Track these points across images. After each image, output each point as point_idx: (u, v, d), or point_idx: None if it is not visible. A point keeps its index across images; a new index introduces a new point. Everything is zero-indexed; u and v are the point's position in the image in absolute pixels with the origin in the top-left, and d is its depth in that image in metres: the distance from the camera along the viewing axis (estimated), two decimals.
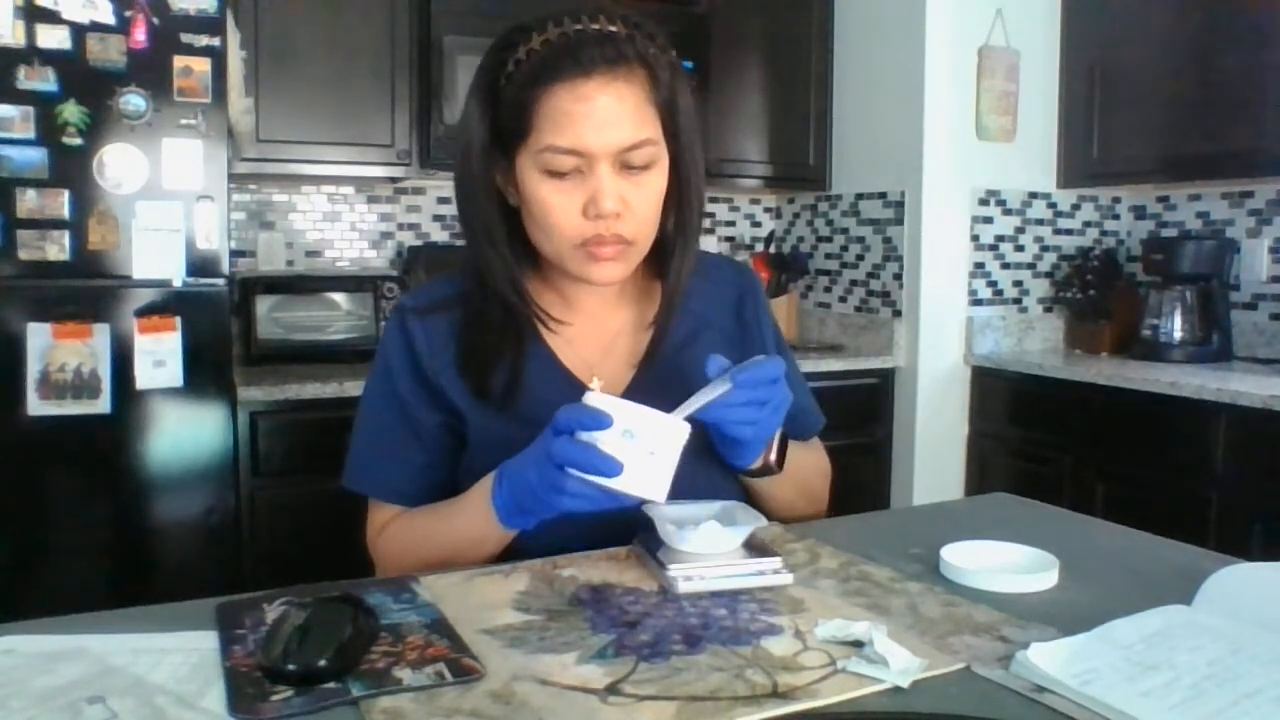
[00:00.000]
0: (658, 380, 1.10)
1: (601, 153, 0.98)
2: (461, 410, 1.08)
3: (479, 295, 1.09)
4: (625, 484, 0.87)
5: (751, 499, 1.15)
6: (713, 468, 1.08)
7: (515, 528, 0.98)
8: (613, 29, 0.99)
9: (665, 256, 1.10)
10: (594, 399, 0.88)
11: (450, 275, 1.15)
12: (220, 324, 2.20)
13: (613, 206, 0.98)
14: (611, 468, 0.86)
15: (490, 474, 0.98)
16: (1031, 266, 3.22)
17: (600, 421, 0.86)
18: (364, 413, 1.14)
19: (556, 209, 1.00)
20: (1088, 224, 3.31)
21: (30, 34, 2.01)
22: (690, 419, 0.92)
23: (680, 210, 1.08)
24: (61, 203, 2.06)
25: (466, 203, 1.06)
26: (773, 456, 1.07)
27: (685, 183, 1.07)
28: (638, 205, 1.01)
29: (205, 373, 2.18)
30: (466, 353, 1.08)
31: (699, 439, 1.02)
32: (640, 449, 0.87)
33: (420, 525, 1.08)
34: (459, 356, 1.08)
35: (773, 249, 3.59)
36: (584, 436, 0.87)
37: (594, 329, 1.14)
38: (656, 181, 1.03)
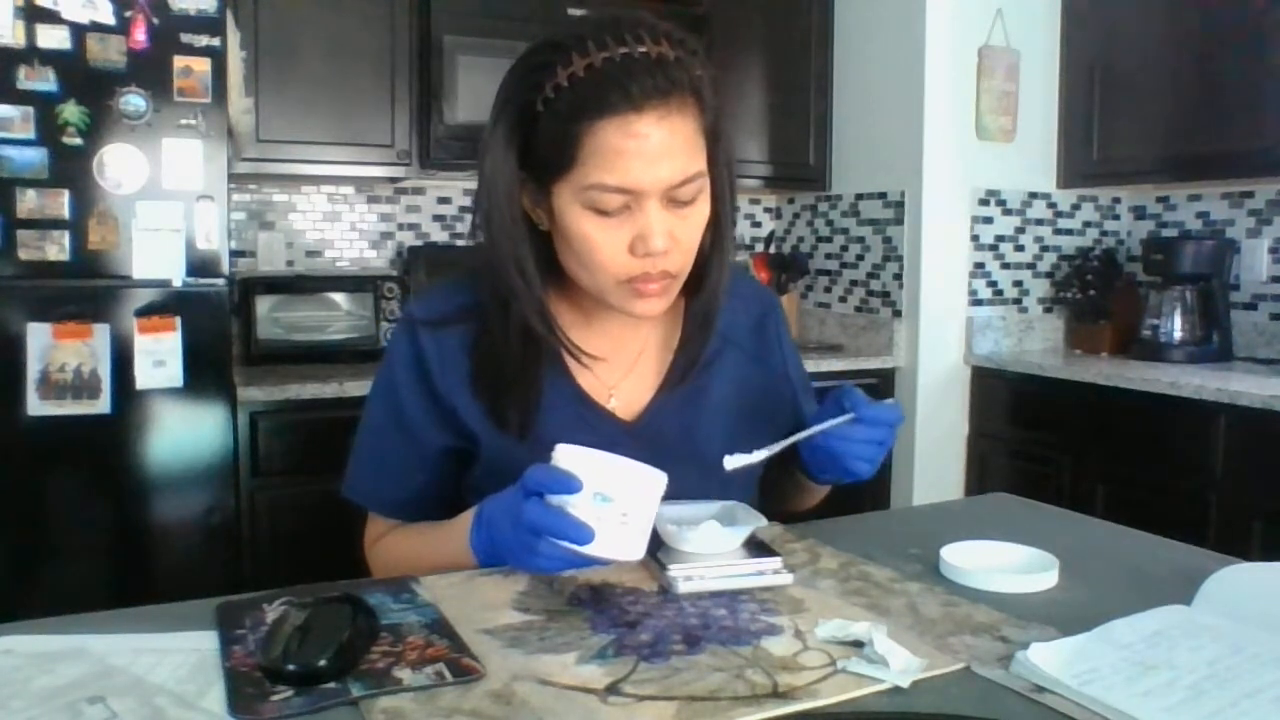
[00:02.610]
0: (679, 402, 1.08)
1: (652, 190, 0.92)
2: (474, 431, 1.05)
3: (499, 319, 1.03)
4: (599, 549, 0.83)
5: (791, 492, 1.18)
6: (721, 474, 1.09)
7: (494, 566, 0.95)
8: (660, 51, 0.92)
9: (698, 275, 1.05)
10: (564, 457, 0.84)
11: (458, 281, 1.10)
12: (220, 324, 2.20)
13: (662, 245, 0.94)
14: (583, 535, 0.81)
15: (473, 510, 0.96)
16: (1031, 266, 3.22)
17: (569, 485, 0.82)
18: (367, 423, 1.11)
19: (602, 246, 0.95)
20: (1088, 224, 3.30)
21: (30, 34, 2.00)
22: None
23: (716, 229, 1.04)
24: (61, 203, 2.06)
25: (493, 230, 0.99)
26: None
27: (722, 202, 1.03)
28: (684, 239, 0.97)
29: (205, 373, 2.18)
30: (483, 380, 1.04)
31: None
32: (615, 510, 0.83)
33: (409, 545, 1.07)
34: (475, 381, 1.04)
35: (773, 249, 3.58)
36: (554, 500, 0.83)
37: (617, 350, 1.10)
38: (702, 212, 0.99)
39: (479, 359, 1.05)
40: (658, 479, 0.85)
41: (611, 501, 0.82)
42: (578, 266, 0.99)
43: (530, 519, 0.83)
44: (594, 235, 0.94)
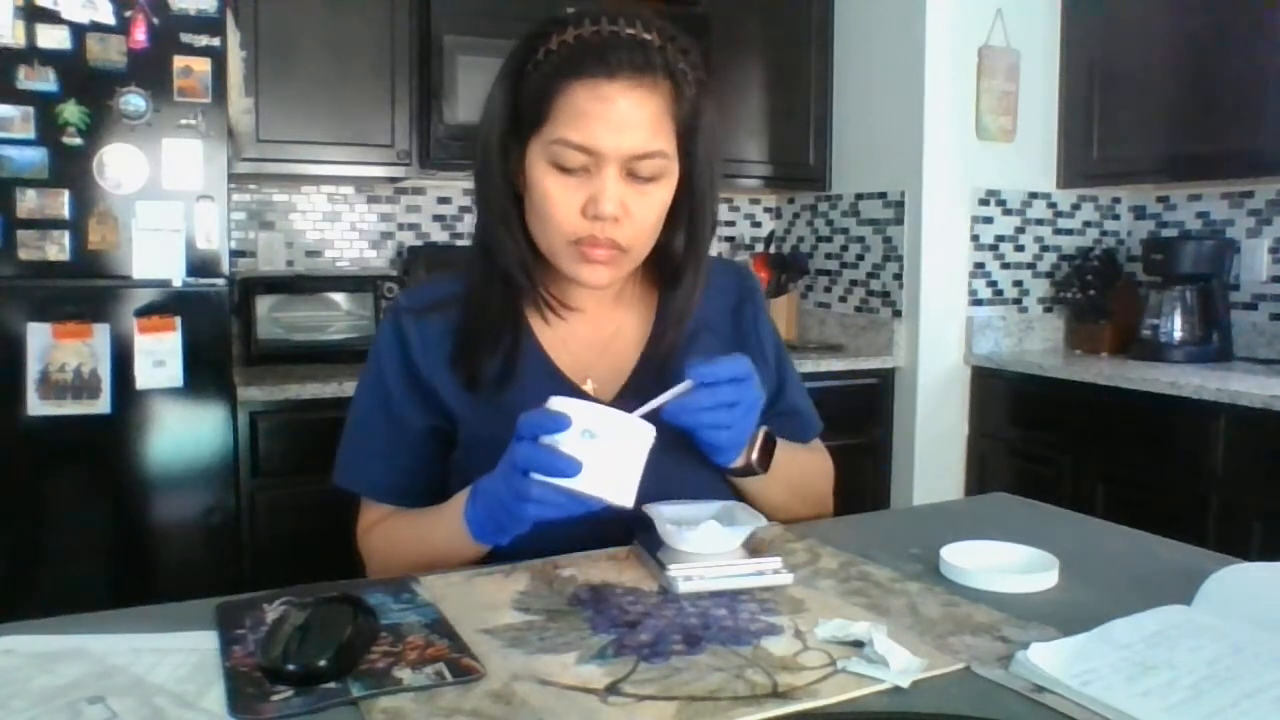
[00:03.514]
0: (652, 388, 1.09)
1: (611, 155, 0.97)
2: (453, 410, 1.08)
3: (483, 274, 1.08)
4: (587, 484, 0.86)
5: (743, 499, 1.15)
6: (704, 468, 1.08)
7: (489, 544, 0.97)
8: (646, 36, 0.99)
9: (673, 272, 1.09)
10: (555, 402, 0.87)
11: (450, 274, 1.14)
12: (220, 324, 2.20)
13: (612, 210, 0.98)
14: (571, 467, 0.85)
15: (466, 489, 0.98)
16: (1031, 266, 3.22)
17: (559, 423, 0.85)
18: (355, 411, 1.14)
19: (557, 203, 1.00)
20: (1088, 224, 3.31)
21: (30, 34, 2.01)
22: (665, 423, 0.91)
23: (691, 228, 1.08)
24: (61, 203, 2.06)
25: (483, 183, 1.06)
26: (754, 456, 1.05)
27: (698, 201, 1.06)
28: (638, 214, 1.00)
29: (205, 373, 2.18)
30: (462, 341, 1.07)
31: (686, 439, 1.02)
32: (601, 449, 0.86)
33: (402, 530, 1.08)
34: (454, 351, 1.07)
35: (773, 249, 3.58)
36: (545, 440, 0.86)
37: (590, 330, 1.13)
38: (661, 194, 1.02)
39: (461, 321, 1.08)
40: (645, 427, 0.88)
41: (597, 438, 0.86)
42: (536, 222, 1.03)
43: (522, 458, 0.87)
44: (552, 191, 1.00)
